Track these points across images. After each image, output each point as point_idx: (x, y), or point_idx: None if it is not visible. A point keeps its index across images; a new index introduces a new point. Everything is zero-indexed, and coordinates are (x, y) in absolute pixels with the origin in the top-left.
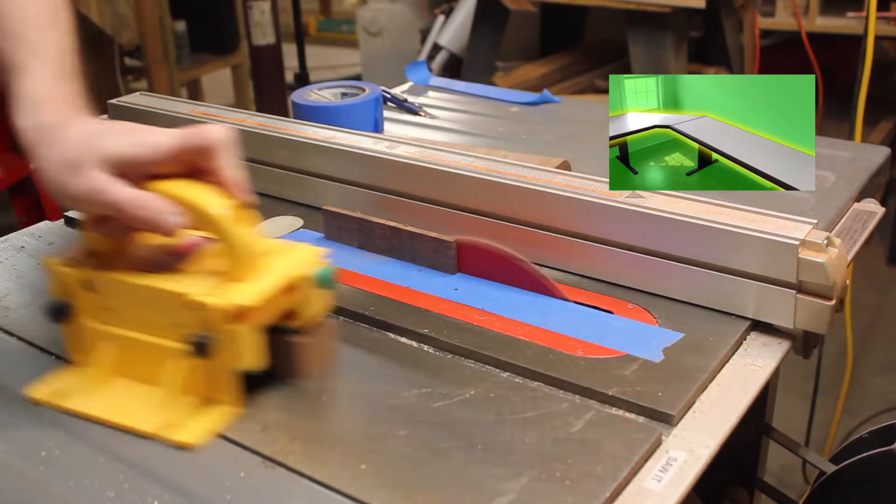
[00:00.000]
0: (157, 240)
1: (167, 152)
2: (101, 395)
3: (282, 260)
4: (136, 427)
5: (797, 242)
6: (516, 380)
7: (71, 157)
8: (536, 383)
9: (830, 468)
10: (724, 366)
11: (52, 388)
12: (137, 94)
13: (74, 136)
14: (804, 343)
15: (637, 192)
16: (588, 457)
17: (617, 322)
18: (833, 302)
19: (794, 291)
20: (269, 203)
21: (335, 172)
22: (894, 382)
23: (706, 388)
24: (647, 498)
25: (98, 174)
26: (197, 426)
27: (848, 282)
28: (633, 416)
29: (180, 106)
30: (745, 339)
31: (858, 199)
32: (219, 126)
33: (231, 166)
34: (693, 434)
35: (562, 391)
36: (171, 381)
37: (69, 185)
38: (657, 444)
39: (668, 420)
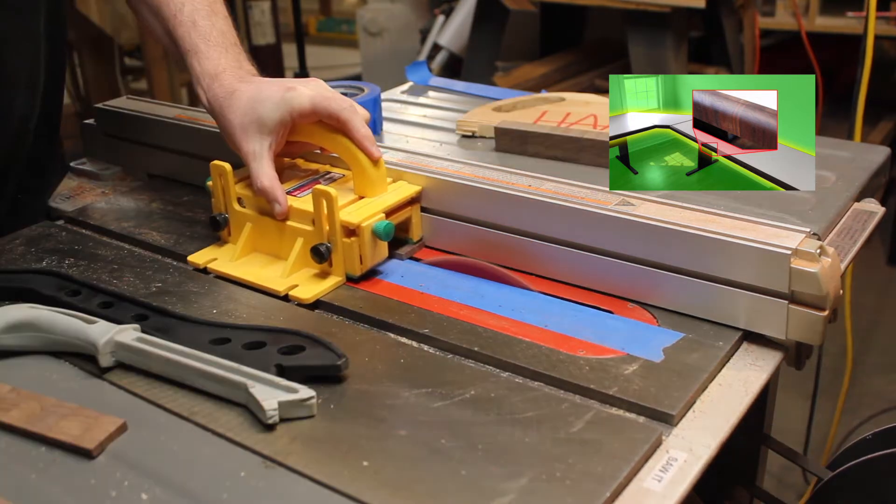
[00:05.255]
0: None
1: (302, 115)
2: (241, 263)
3: (391, 190)
4: (267, 286)
5: (789, 252)
6: (516, 380)
7: (242, 122)
8: (536, 383)
9: (828, 475)
10: (724, 366)
11: (206, 258)
12: (124, 97)
13: (242, 104)
14: (797, 354)
15: (627, 199)
16: (588, 457)
17: (617, 322)
18: (826, 313)
19: (787, 302)
20: None
21: None
22: (894, 382)
23: (706, 388)
24: (647, 498)
25: (257, 143)
26: (312, 289)
27: (842, 291)
28: (633, 416)
29: (165, 110)
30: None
31: (858, 199)
32: (341, 98)
33: (358, 128)
34: (693, 434)
35: (562, 391)
36: (296, 256)
37: (241, 148)
38: (657, 444)
39: (669, 420)
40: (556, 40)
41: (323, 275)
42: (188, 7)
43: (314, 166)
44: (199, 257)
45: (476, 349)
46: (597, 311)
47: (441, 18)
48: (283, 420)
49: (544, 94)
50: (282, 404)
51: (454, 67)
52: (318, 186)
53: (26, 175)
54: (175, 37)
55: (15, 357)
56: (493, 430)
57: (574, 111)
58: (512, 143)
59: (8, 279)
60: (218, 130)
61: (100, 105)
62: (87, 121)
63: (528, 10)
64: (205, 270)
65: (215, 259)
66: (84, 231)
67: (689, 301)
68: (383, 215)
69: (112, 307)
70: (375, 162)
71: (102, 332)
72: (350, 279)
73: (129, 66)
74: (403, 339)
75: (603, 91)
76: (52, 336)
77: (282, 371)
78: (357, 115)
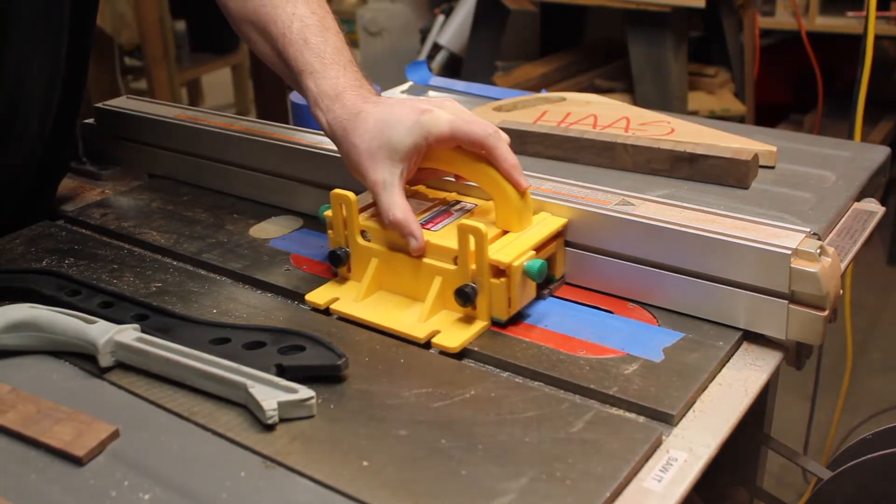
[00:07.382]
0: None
1: (439, 140)
2: (368, 304)
3: (535, 223)
4: (405, 332)
5: (789, 252)
6: (516, 380)
7: (369, 148)
8: (536, 383)
9: (828, 474)
10: (724, 366)
11: (327, 297)
12: (124, 97)
13: (370, 127)
14: (797, 354)
15: (627, 199)
16: (588, 457)
17: (617, 322)
18: (826, 312)
19: (787, 302)
20: (266, 209)
21: (328, 180)
22: (894, 382)
23: (706, 388)
24: (647, 498)
25: (387, 171)
26: (457, 336)
27: (842, 291)
28: (633, 415)
29: (165, 110)
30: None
31: (858, 198)
32: (484, 123)
33: (506, 156)
34: (693, 434)
35: (562, 391)
36: (434, 298)
37: (367, 176)
38: (657, 444)
39: (669, 420)
40: (556, 40)
41: (467, 319)
42: (297, 24)
43: (441, 195)
44: (317, 297)
45: (476, 349)
46: (597, 311)
47: (441, 18)
48: (282, 420)
49: (544, 94)
50: (281, 404)
51: (454, 67)
52: (465, 221)
53: (36, 181)
54: (286, 57)
55: (15, 357)
56: (493, 430)
57: (574, 111)
58: (512, 142)
59: (8, 279)
60: (216, 130)
61: (99, 105)
62: (86, 121)
63: (528, 9)
64: (326, 311)
65: (337, 299)
66: (84, 231)
67: (690, 301)
68: (533, 252)
69: (112, 307)
70: (523, 193)
71: (102, 332)
72: (496, 323)
73: (129, 66)
74: (403, 339)
75: (603, 91)
76: (52, 336)
77: (282, 371)
78: (503, 142)
